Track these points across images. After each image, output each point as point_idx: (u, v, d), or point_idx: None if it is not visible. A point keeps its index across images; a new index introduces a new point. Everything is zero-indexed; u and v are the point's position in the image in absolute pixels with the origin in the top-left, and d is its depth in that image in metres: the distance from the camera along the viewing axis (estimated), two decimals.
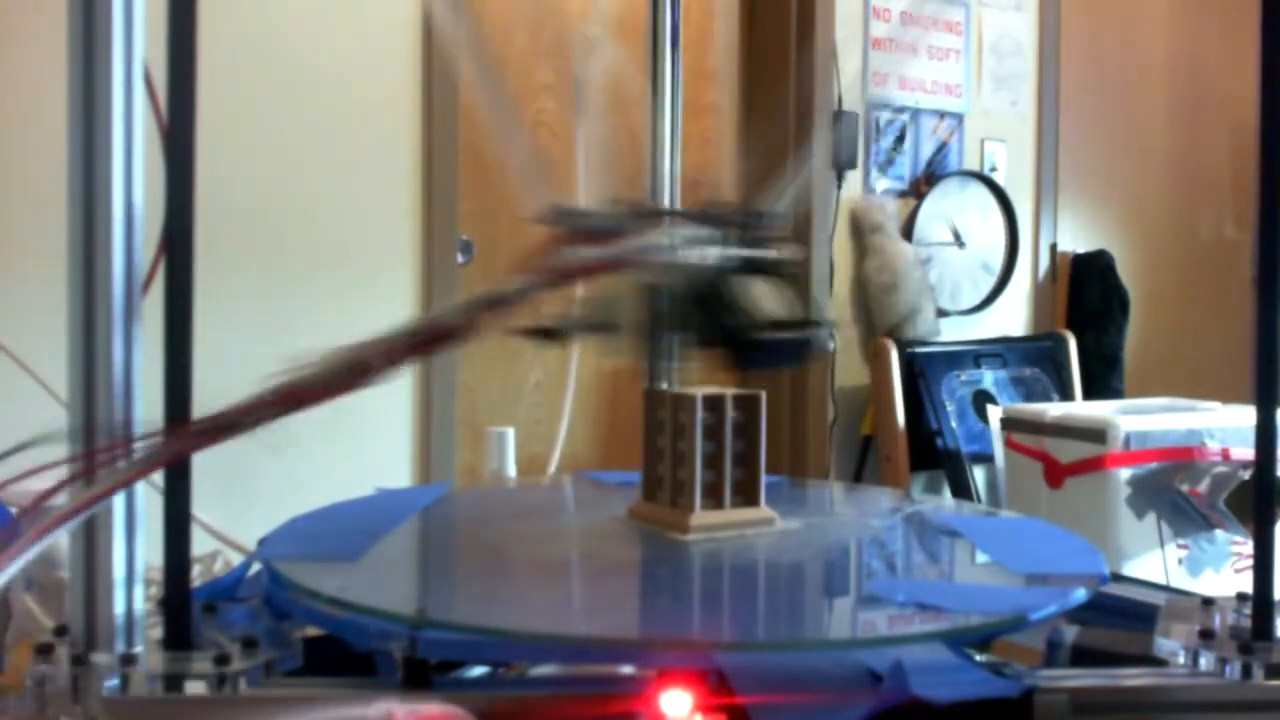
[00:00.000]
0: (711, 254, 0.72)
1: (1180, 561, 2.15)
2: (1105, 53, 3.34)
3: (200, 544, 0.69)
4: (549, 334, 0.74)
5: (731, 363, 0.74)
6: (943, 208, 2.99)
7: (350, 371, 0.55)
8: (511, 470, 1.44)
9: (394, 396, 2.27)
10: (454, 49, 0.74)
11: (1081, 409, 2.41)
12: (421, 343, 0.57)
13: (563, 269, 0.64)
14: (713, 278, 0.72)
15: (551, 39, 2.48)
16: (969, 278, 3.06)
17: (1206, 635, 0.64)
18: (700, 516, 0.82)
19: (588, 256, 0.66)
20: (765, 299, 0.72)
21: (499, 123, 0.75)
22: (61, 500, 0.55)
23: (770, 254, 0.76)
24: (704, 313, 0.71)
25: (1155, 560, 2.13)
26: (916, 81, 2.97)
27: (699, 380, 0.89)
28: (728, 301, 0.71)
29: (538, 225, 0.68)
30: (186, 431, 0.54)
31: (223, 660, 0.58)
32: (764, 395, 0.84)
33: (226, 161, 1.99)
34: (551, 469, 1.42)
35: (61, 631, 0.62)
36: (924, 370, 2.77)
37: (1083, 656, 0.69)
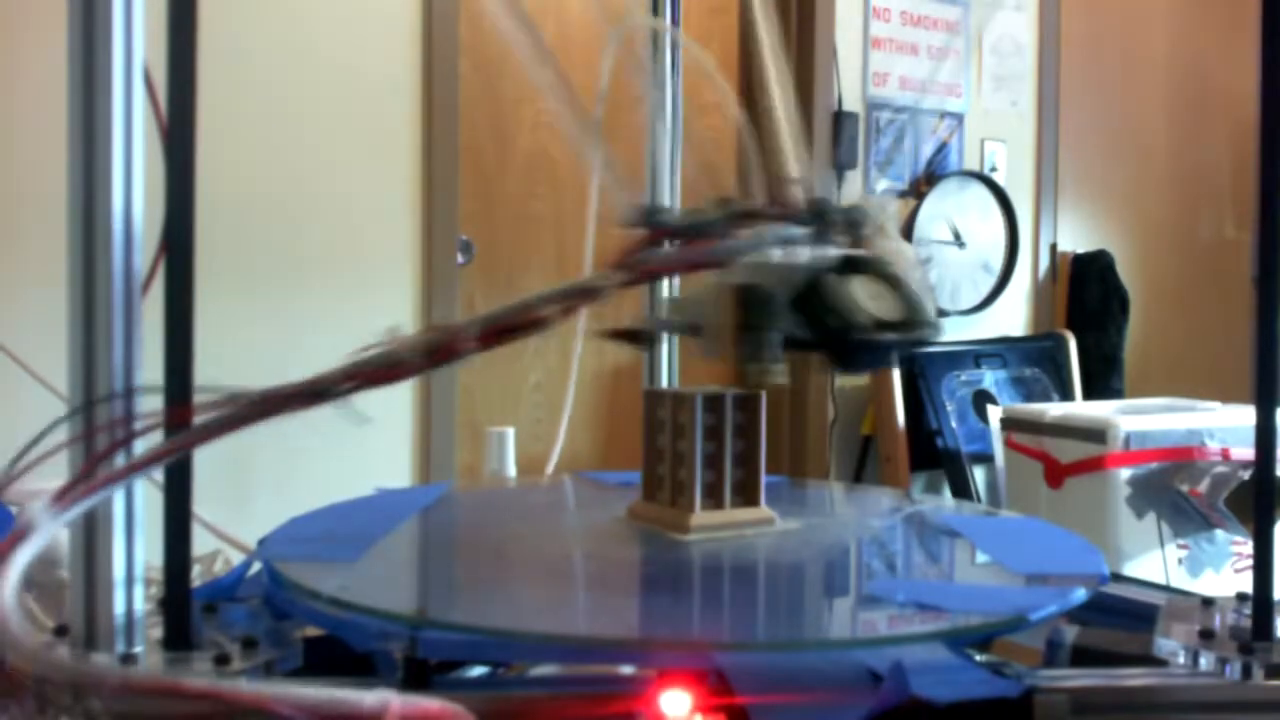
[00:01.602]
0: (812, 254, 0.71)
1: (1180, 561, 2.15)
2: (1105, 53, 3.34)
3: (200, 544, 0.69)
4: (638, 336, 0.73)
5: (832, 365, 0.73)
6: (943, 208, 2.99)
7: (442, 350, 0.56)
8: (511, 470, 1.44)
9: (395, 396, 2.27)
10: (525, 59, 0.73)
11: (1081, 409, 2.41)
12: (510, 327, 0.57)
13: (656, 264, 0.63)
14: (819, 278, 0.71)
15: (551, 38, 2.47)
16: (969, 278, 3.06)
17: (1206, 635, 0.64)
18: (700, 516, 0.82)
19: (682, 252, 0.66)
20: (867, 298, 0.71)
21: (579, 129, 0.74)
22: (62, 500, 0.55)
23: (867, 252, 0.75)
24: (807, 314, 0.70)
25: (1155, 560, 2.13)
26: (916, 81, 2.97)
27: (699, 380, 0.89)
28: (830, 302, 0.70)
29: (628, 225, 0.67)
30: (279, 392, 0.54)
31: (223, 660, 0.58)
32: (764, 395, 0.84)
33: (226, 161, 1.99)
34: (551, 469, 1.42)
35: (61, 631, 0.62)
36: (924, 370, 2.77)
37: (1083, 656, 0.69)
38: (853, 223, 0.75)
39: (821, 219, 0.72)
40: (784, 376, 0.76)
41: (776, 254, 0.69)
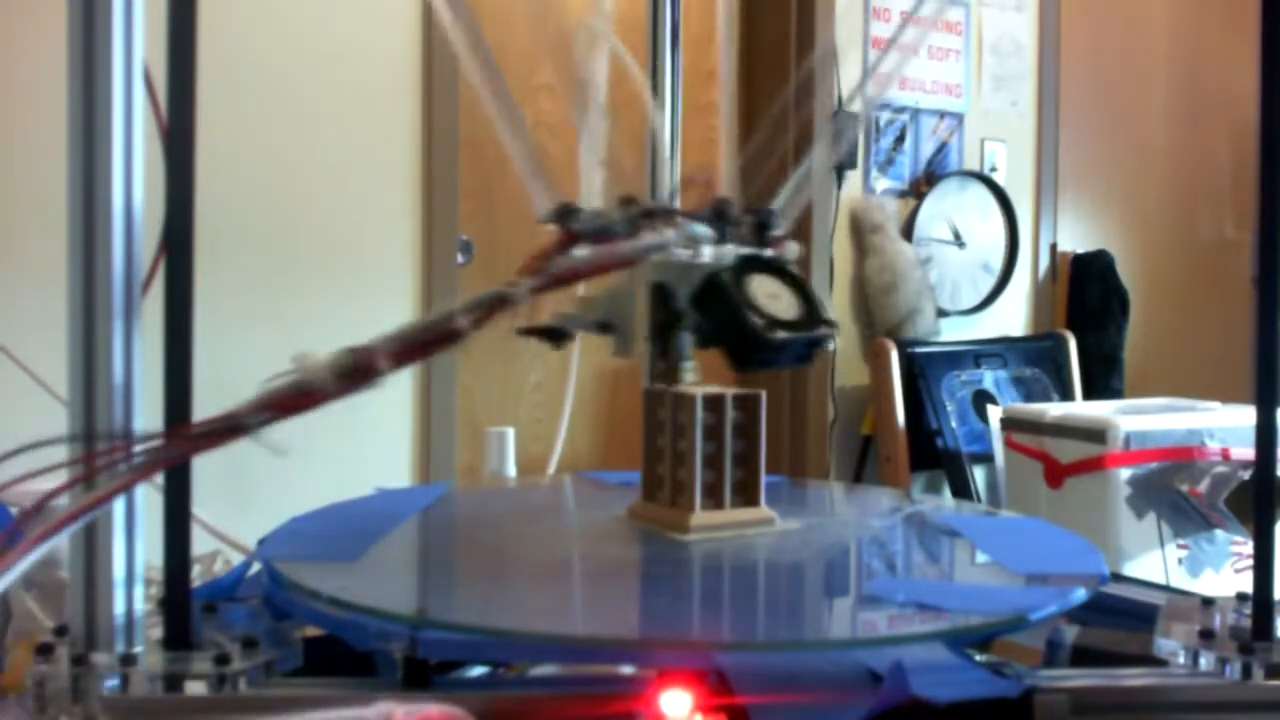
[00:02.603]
0: (714, 253, 0.72)
1: (1180, 561, 2.15)
2: (1105, 53, 3.34)
3: (200, 544, 0.69)
4: (552, 334, 0.74)
5: (735, 363, 0.73)
6: (943, 208, 2.99)
7: (355, 372, 0.55)
8: (511, 470, 1.44)
9: (394, 396, 2.27)
10: (456, 47, 0.74)
11: (1081, 409, 2.41)
12: (426, 343, 0.57)
13: (566, 269, 0.64)
14: (715, 277, 0.71)
15: (551, 38, 2.48)
16: (969, 278, 3.06)
17: (1206, 635, 0.64)
18: (700, 516, 0.82)
19: (589, 256, 0.66)
20: (769, 299, 0.72)
21: (503, 121, 0.75)
22: (63, 502, 0.55)
23: (773, 252, 0.75)
24: (707, 312, 0.71)
25: (1155, 560, 2.13)
26: (916, 81, 2.98)
27: (701, 380, 0.89)
28: (731, 301, 0.71)
29: (543, 224, 0.68)
30: (188, 434, 0.54)
31: (223, 660, 0.58)
32: (764, 395, 0.84)
33: (226, 161, 1.99)
34: (551, 469, 1.42)
35: (61, 631, 0.62)
36: (924, 370, 2.77)
37: (1083, 656, 0.69)
38: (760, 223, 0.75)
39: (725, 218, 0.73)
40: (695, 373, 0.77)
41: (688, 254, 0.70)
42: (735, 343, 0.72)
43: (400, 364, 0.56)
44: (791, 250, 0.78)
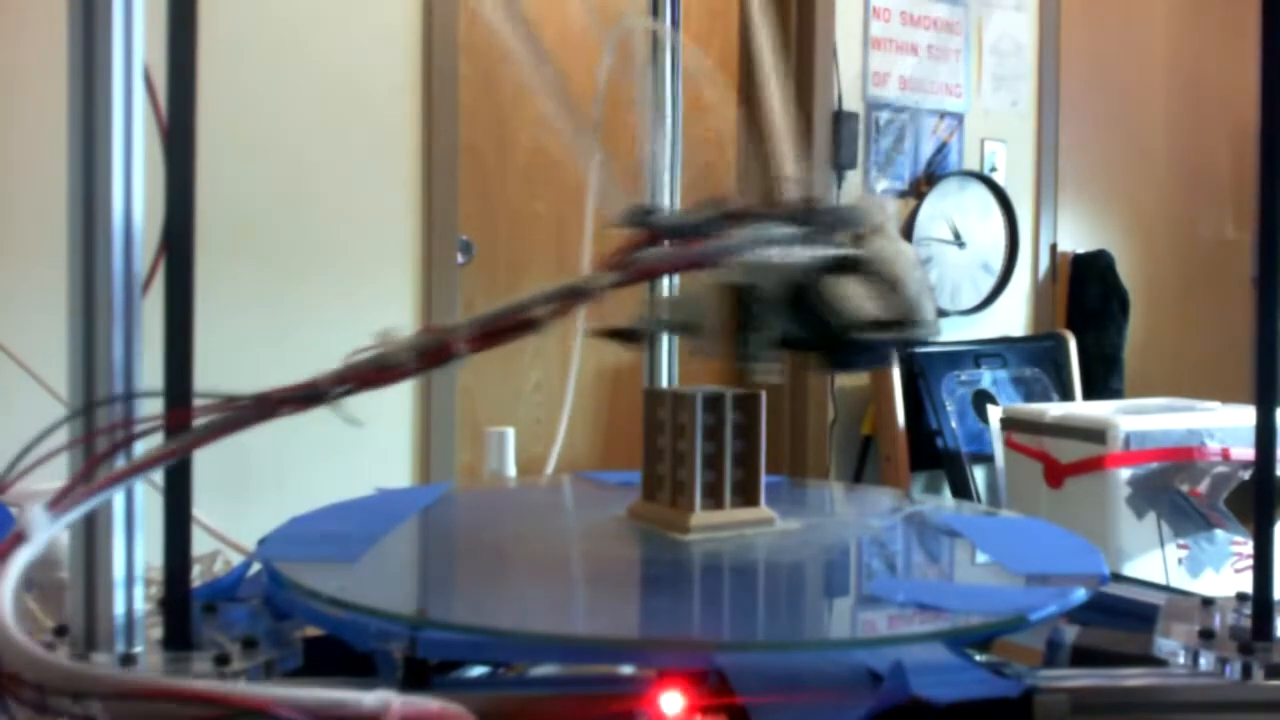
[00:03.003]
0: (798, 252, 0.71)
1: (1180, 561, 2.15)
2: (1105, 53, 3.34)
3: (200, 544, 0.69)
4: (629, 335, 0.73)
5: (824, 364, 0.72)
6: (943, 208, 2.99)
7: (434, 352, 0.56)
8: (511, 470, 1.44)
9: (394, 397, 2.27)
10: (520, 60, 0.73)
11: (1081, 409, 2.41)
12: (503, 329, 0.57)
13: (648, 265, 0.63)
14: (804, 277, 0.70)
15: (551, 38, 2.47)
16: (969, 278, 3.06)
17: (1206, 635, 0.64)
18: (700, 516, 0.82)
19: (673, 253, 0.66)
20: (859, 298, 0.71)
21: (572, 129, 0.74)
22: (62, 501, 0.55)
23: (859, 252, 0.74)
24: (798, 313, 0.70)
25: (1155, 560, 2.13)
26: (916, 81, 2.98)
27: (699, 380, 0.89)
28: (822, 302, 0.69)
29: (620, 226, 0.67)
30: (278, 395, 0.55)
31: (223, 660, 0.58)
32: (764, 395, 0.84)
33: (226, 161, 1.99)
34: (551, 469, 1.42)
35: (61, 631, 0.62)
36: (924, 370, 2.77)
37: (1083, 656, 0.69)
38: (848, 222, 0.74)
39: (815, 218, 0.72)
40: (780, 376, 0.75)
41: (773, 254, 0.69)
42: (837, 344, 0.70)
43: (478, 348, 0.56)
44: (895, 250, 0.77)
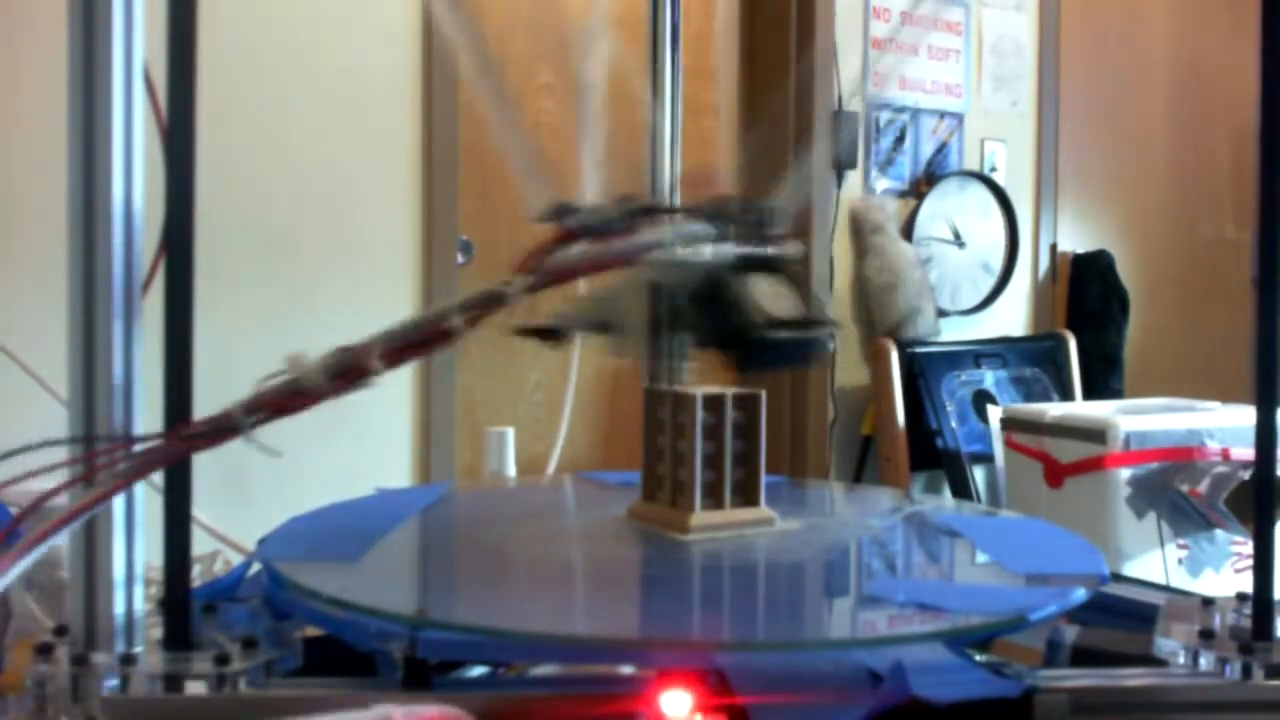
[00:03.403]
0: (712, 251, 0.71)
1: (1180, 561, 2.15)
2: (1105, 53, 3.34)
3: (200, 544, 0.69)
4: (549, 333, 0.73)
5: (733, 363, 0.73)
6: (943, 208, 2.99)
7: (348, 372, 0.55)
8: (511, 470, 1.44)
9: (394, 396, 2.27)
10: (453, 46, 0.74)
11: (1081, 409, 2.41)
12: (419, 342, 0.57)
13: (560, 267, 0.63)
14: (714, 275, 0.71)
15: (551, 39, 2.48)
16: (969, 278, 3.06)
17: (1206, 635, 0.64)
18: (700, 516, 0.82)
19: (585, 254, 0.66)
20: (767, 298, 0.71)
21: (499, 119, 0.74)
22: (62, 501, 0.55)
23: (771, 251, 0.75)
24: (705, 312, 0.70)
25: (1155, 560, 2.13)
26: (916, 81, 2.98)
27: (699, 380, 0.89)
28: (729, 300, 0.70)
29: (538, 222, 0.68)
30: (186, 433, 0.54)
31: (223, 660, 0.58)
32: (764, 395, 0.84)
33: (226, 161, 1.99)
34: (551, 469, 1.42)
35: (61, 631, 0.62)
36: (924, 370, 2.77)
37: (1083, 656, 0.69)
38: (759, 221, 0.75)
39: (724, 216, 0.72)
40: (693, 374, 0.76)
41: (684, 252, 0.70)
42: (733, 342, 0.71)
43: (393, 363, 0.56)
44: (792, 249, 0.77)
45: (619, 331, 0.72)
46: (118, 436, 0.59)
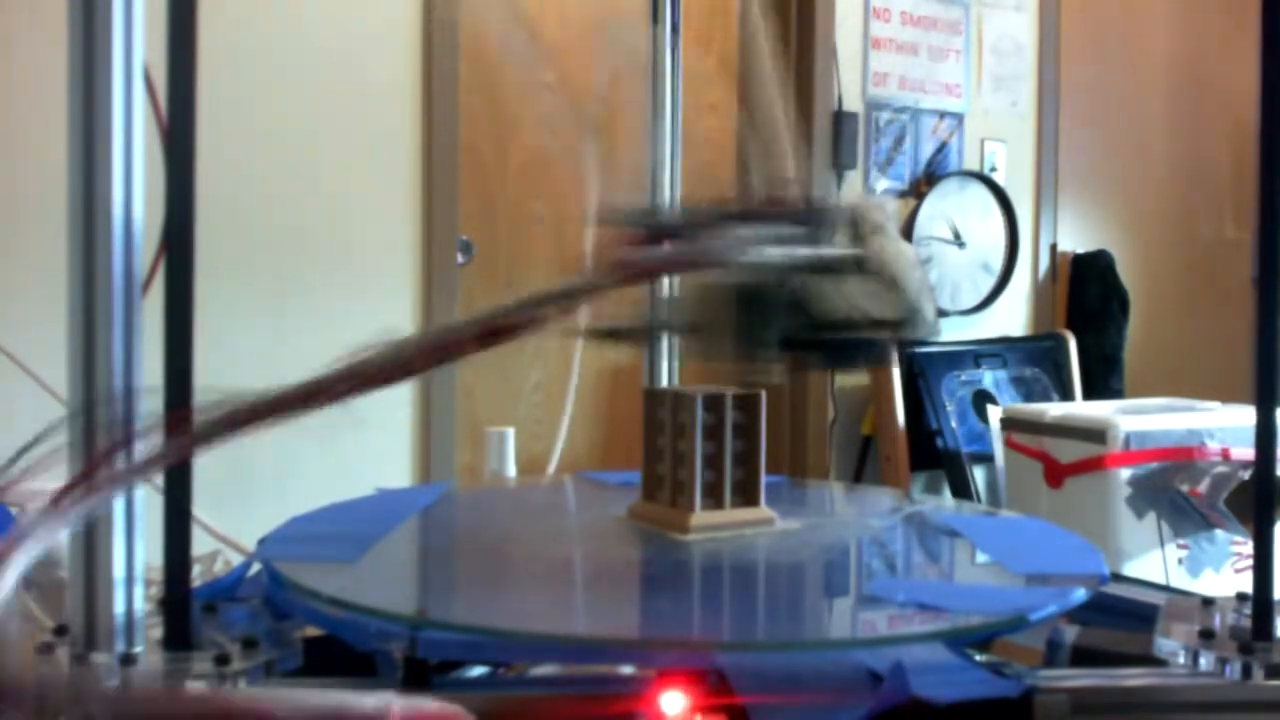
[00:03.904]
0: (796, 253, 0.70)
1: (1180, 561, 2.15)
2: (1105, 53, 3.34)
3: (200, 544, 0.69)
4: (622, 335, 0.73)
5: (816, 363, 0.72)
6: (943, 208, 2.99)
7: (433, 353, 0.55)
8: (511, 470, 1.44)
9: (394, 397, 2.27)
10: (517, 62, 0.73)
11: (1081, 409, 2.41)
12: (487, 334, 0.57)
13: (640, 267, 0.63)
14: (790, 276, 0.70)
15: (551, 38, 2.48)
16: (969, 278, 3.06)
17: (1206, 635, 0.64)
18: (700, 516, 0.82)
19: (674, 252, 0.65)
20: (845, 297, 0.71)
21: (570, 129, 0.74)
22: (63, 501, 0.55)
23: (848, 251, 0.74)
24: (784, 313, 0.70)
25: (1155, 560, 2.13)
26: (916, 81, 2.97)
27: (699, 380, 0.89)
28: (808, 301, 0.69)
29: (625, 226, 0.67)
30: (275, 400, 0.54)
31: (223, 660, 0.58)
32: (764, 395, 0.84)
33: (226, 162, 1.99)
34: (551, 469, 1.42)
35: (61, 631, 0.62)
36: (924, 370, 2.77)
37: (1083, 656, 0.69)
38: (844, 221, 0.74)
39: (815, 218, 0.72)
40: (781, 375, 0.75)
41: (770, 254, 0.69)
42: (836, 343, 0.70)
43: (481, 347, 0.56)
44: (895, 250, 0.77)
45: (700, 334, 0.72)
46: (118, 433, 0.59)
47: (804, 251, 0.70)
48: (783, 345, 0.70)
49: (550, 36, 2.47)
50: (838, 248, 0.73)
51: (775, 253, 0.69)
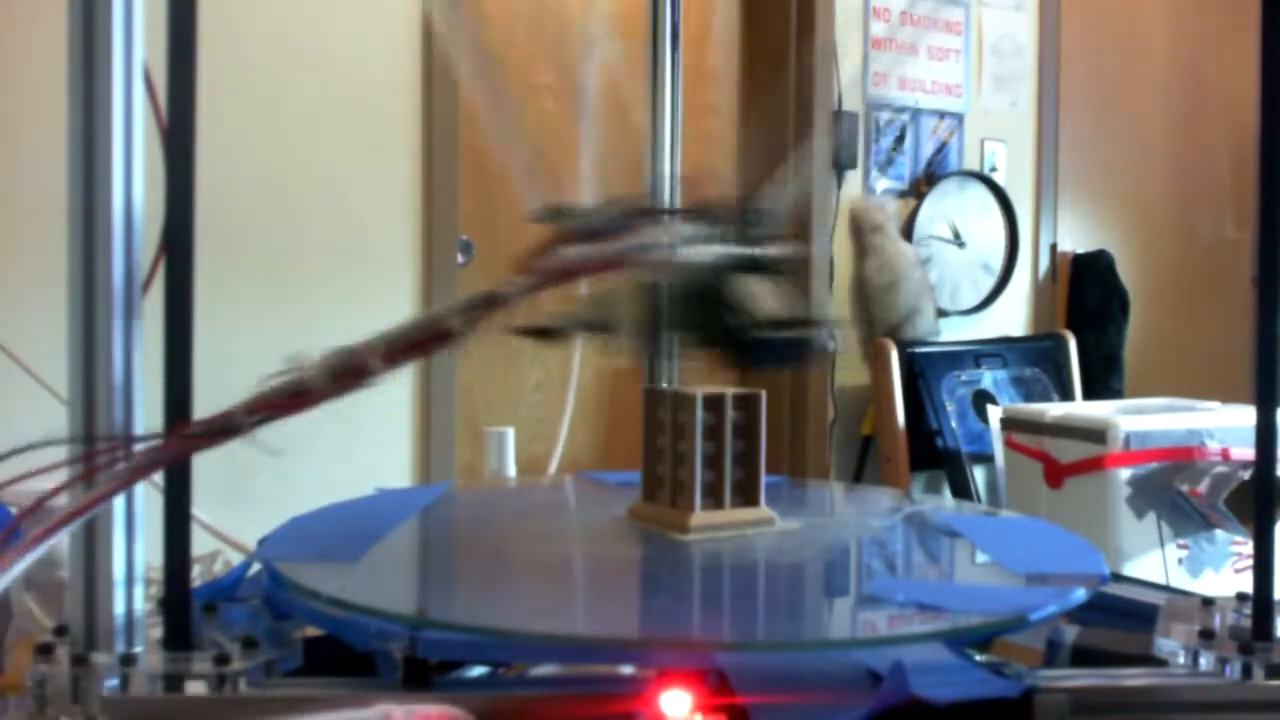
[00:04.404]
0: (710, 252, 0.71)
1: (1180, 561, 2.15)
2: (1105, 53, 3.34)
3: (200, 544, 0.69)
4: (548, 333, 0.73)
5: (732, 362, 0.73)
6: (943, 208, 2.99)
7: (348, 372, 0.55)
8: (511, 470, 1.44)
9: (394, 396, 2.27)
10: (452, 47, 0.74)
11: (1081, 409, 2.41)
12: (420, 342, 0.57)
13: (559, 268, 0.63)
14: (712, 276, 0.71)
15: (551, 39, 2.48)
16: (969, 278, 3.06)
17: (1206, 635, 0.64)
18: (700, 516, 0.82)
19: (584, 255, 0.66)
20: (766, 297, 0.71)
21: (497, 120, 0.75)
22: (62, 501, 0.55)
23: (770, 251, 0.75)
24: (704, 312, 0.71)
25: (1155, 560, 2.13)
26: (916, 81, 2.97)
27: (699, 380, 0.89)
28: (728, 300, 0.70)
29: (536, 223, 0.68)
30: (187, 433, 0.54)
31: (223, 660, 0.58)
32: (764, 395, 0.84)
33: (227, 162, 1.99)
34: (551, 469, 1.42)
35: (61, 631, 0.62)
36: (924, 370, 2.77)
37: (1083, 656, 0.69)
38: (755, 222, 0.75)
39: (722, 218, 0.72)
40: (689, 373, 0.76)
41: (682, 253, 0.69)
42: (729, 342, 0.71)
43: (393, 364, 0.56)
44: (788, 249, 0.77)
45: (618, 332, 0.72)
46: (116, 436, 0.59)
47: (721, 251, 0.71)
48: (695, 344, 0.71)
49: (550, 36, 2.47)
50: (746, 247, 0.73)
51: (696, 252, 0.69)
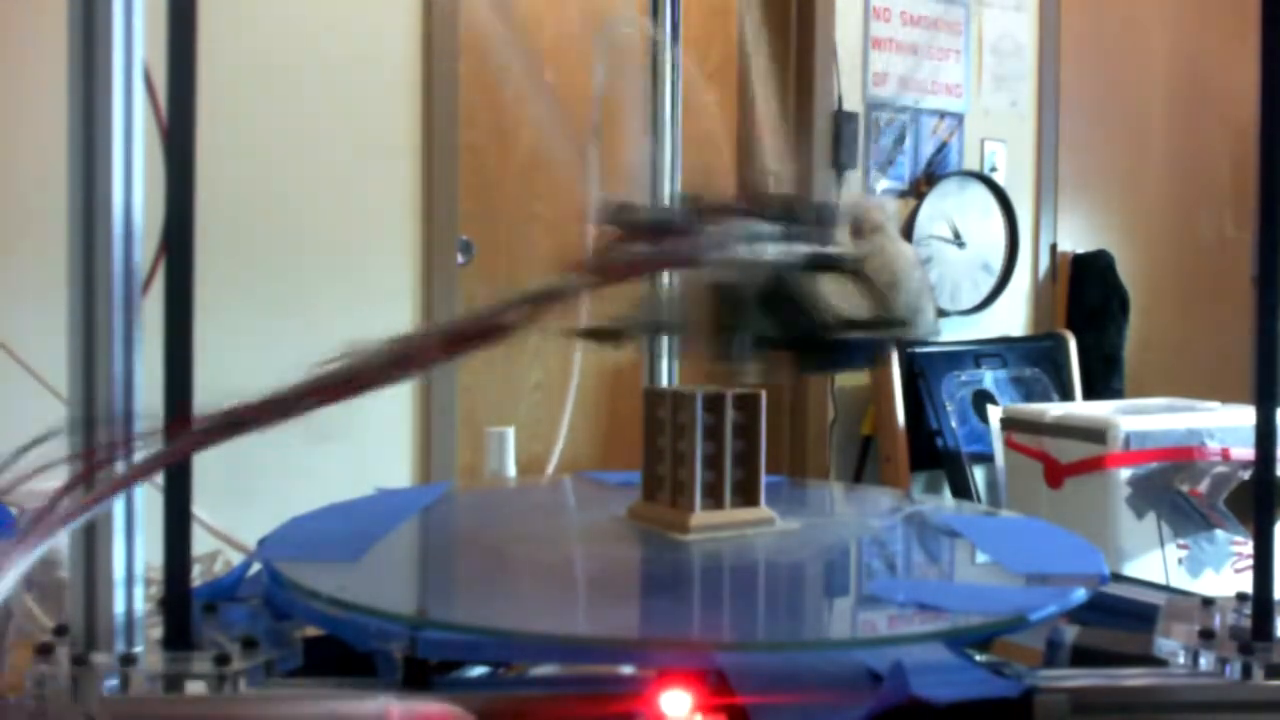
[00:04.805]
0: (779, 251, 0.69)
1: (1180, 561, 2.15)
2: (1105, 53, 3.34)
3: (200, 544, 0.69)
4: (609, 334, 0.72)
5: (808, 365, 0.71)
6: (943, 208, 2.99)
7: (405, 361, 0.54)
8: (511, 470, 1.44)
9: (394, 396, 2.27)
10: (503, 58, 0.72)
11: (1081, 409, 2.41)
12: (478, 334, 0.56)
13: (624, 264, 0.62)
14: (781, 275, 0.69)
15: (552, 39, 2.47)
16: (969, 278, 3.06)
17: (1206, 635, 0.64)
18: (700, 516, 0.82)
19: (649, 252, 0.65)
20: (843, 296, 0.70)
21: (553, 125, 0.73)
22: (63, 501, 0.55)
23: (840, 250, 0.73)
24: (781, 312, 0.68)
25: (1155, 560, 2.13)
26: (916, 82, 2.97)
27: (695, 381, 0.89)
28: (804, 300, 0.68)
29: (602, 223, 0.66)
30: (228, 414, 0.54)
31: (223, 660, 0.58)
32: (764, 395, 0.84)
33: (227, 162, 1.99)
34: (551, 469, 1.42)
35: (61, 631, 0.62)
36: (924, 370, 2.77)
37: (1083, 656, 0.69)
38: (826, 220, 0.73)
39: (793, 216, 0.71)
40: (756, 375, 0.74)
41: (751, 251, 0.68)
42: (808, 343, 0.69)
43: (450, 355, 0.55)
44: (861, 248, 0.76)
45: (682, 332, 0.71)
46: (119, 433, 0.59)
47: (793, 250, 0.69)
48: (763, 345, 0.69)
49: (550, 37, 2.47)
50: (833, 247, 0.72)
51: (763, 251, 0.67)
